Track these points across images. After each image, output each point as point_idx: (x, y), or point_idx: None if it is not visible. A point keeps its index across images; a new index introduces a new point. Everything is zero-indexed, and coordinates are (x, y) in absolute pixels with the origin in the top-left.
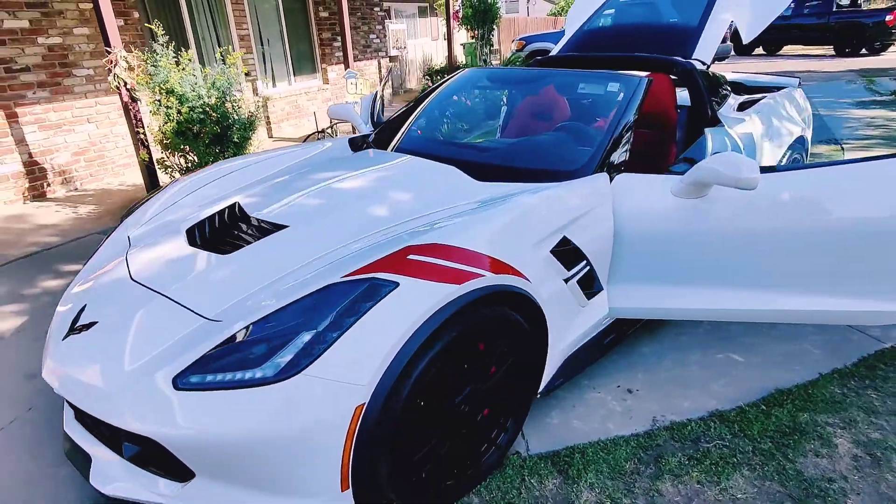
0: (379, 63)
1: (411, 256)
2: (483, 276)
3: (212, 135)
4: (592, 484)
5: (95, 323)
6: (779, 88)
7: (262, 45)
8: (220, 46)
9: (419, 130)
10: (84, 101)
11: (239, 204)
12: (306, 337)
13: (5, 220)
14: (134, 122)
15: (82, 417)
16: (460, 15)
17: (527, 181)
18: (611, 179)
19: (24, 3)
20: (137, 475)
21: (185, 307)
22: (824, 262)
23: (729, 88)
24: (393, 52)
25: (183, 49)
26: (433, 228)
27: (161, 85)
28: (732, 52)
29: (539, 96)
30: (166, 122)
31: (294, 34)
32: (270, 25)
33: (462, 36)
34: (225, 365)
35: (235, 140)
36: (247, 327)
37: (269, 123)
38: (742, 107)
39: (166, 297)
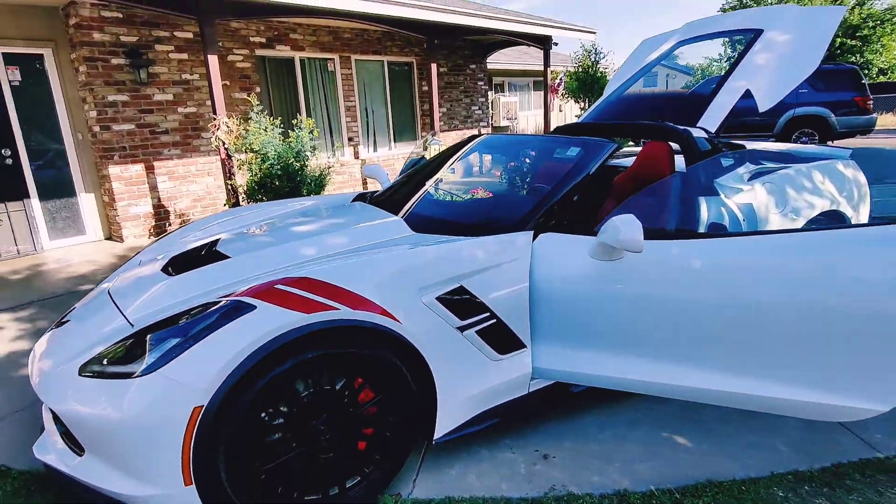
0: (479, 132)
1: (279, 286)
2: (338, 309)
3: (286, 188)
4: None
5: (67, 322)
6: (822, 159)
7: (366, 115)
8: (328, 117)
9: (405, 188)
10: (206, 158)
11: (219, 237)
12: (172, 342)
13: (131, 250)
14: (227, 175)
15: None
16: (560, 89)
17: (461, 234)
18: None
19: (172, 81)
20: (60, 448)
21: (122, 313)
22: (738, 340)
23: (737, 160)
24: (504, 123)
25: (299, 117)
26: (317, 264)
27: (248, 146)
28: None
29: (516, 160)
30: (251, 176)
31: (397, 105)
32: (376, 98)
33: (572, 108)
34: (116, 359)
35: (305, 194)
36: (149, 330)
37: (364, 183)
38: (755, 176)
39: (116, 305)
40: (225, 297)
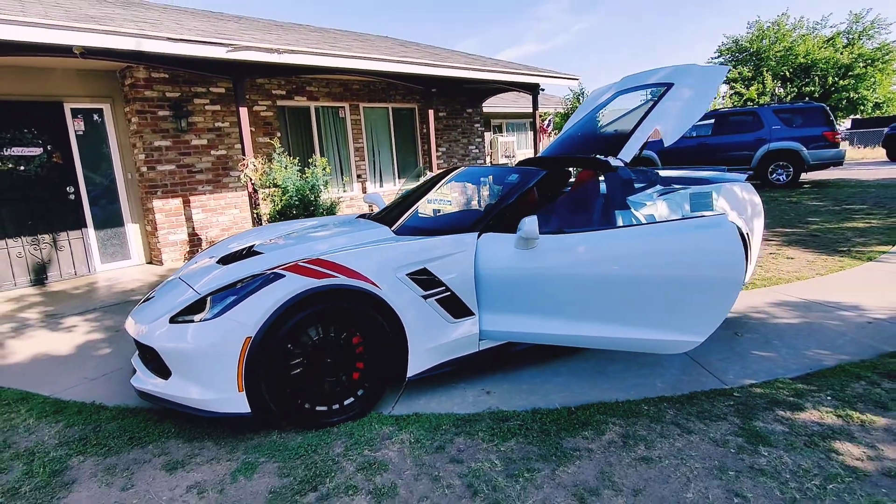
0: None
1: (301, 263)
2: (336, 277)
3: (302, 216)
4: (413, 431)
5: (152, 297)
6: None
7: (373, 155)
8: (339, 156)
9: (395, 208)
10: (233, 193)
11: (254, 244)
12: (231, 298)
13: (170, 271)
14: (253, 206)
15: (140, 351)
16: (549, 128)
17: (430, 236)
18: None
19: (207, 128)
20: (151, 377)
21: (192, 288)
22: (605, 299)
23: (648, 182)
24: (503, 160)
25: (313, 156)
26: (330, 252)
27: (272, 181)
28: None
29: (478, 184)
30: (273, 207)
31: (401, 146)
32: (382, 140)
33: None
34: (194, 311)
35: None
36: (214, 293)
37: (371, 210)
38: (663, 194)
39: (188, 284)
40: (272, 270)
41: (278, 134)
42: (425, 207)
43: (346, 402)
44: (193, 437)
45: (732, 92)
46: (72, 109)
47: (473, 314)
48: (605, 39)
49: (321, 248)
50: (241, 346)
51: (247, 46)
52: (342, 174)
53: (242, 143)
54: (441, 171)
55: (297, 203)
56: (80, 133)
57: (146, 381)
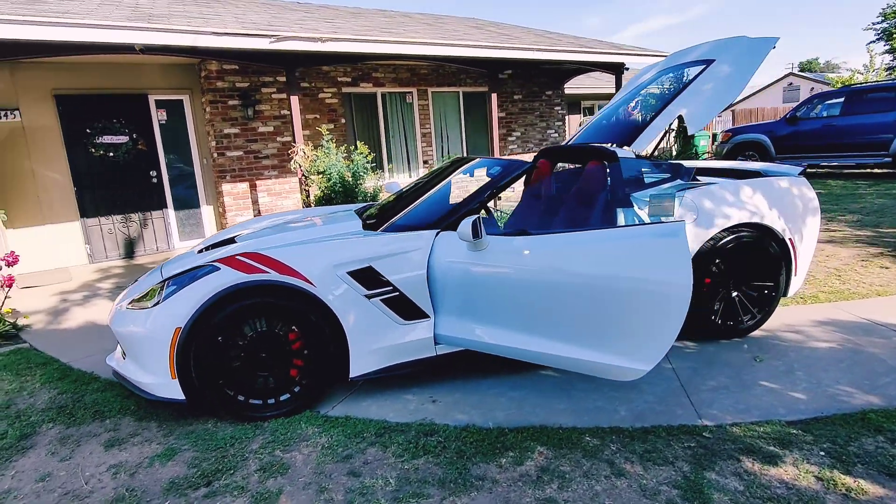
0: None
1: (237, 257)
2: (268, 273)
3: (344, 202)
4: (333, 435)
5: (137, 281)
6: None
7: (441, 140)
8: (406, 142)
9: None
10: (296, 178)
11: (241, 233)
12: (172, 287)
13: None
14: (302, 191)
15: None
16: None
17: (395, 232)
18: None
19: (273, 116)
20: (118, 357)
21: (161, 275)
22: (553, 313)
23: (669, 176)
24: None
25: (356, 146)
26: (269, 247)
27: (317, 168)
28: None
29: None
30: (318, 192)
31: (471, 130)
32: (451, 124)
33: None
34: (146, 298)
35: None
36: (166, 281)
37: None
38: (681, 190)
39: (160, 272)
40: (211, 262)
41: (342, 120)
42: (401, 199)
43: (281, 398)
44: (144, 417)
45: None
46: (155, 101)
47: (428, 317)
48: (753, 6)
49: (274, 241)
50: (172, 335)
51: (289, 37)
52: (408, 160)
53: (293, 131)
54: (446, 162)
55: (339, 190)
56: (163, 122)
57: (114, 359)
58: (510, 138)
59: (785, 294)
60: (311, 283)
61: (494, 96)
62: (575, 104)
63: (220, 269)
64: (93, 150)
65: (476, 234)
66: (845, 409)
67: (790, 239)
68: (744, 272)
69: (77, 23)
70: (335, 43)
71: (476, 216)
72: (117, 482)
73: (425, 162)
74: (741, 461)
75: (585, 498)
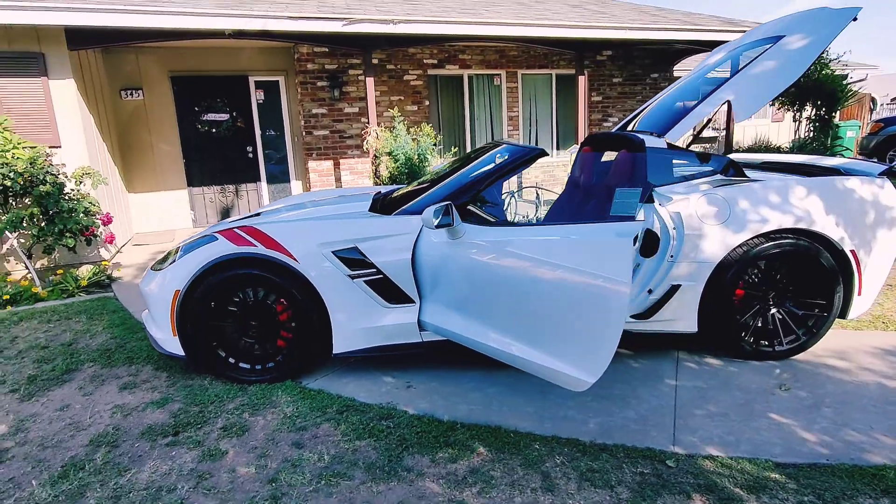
0: None
1: (235, 230)
2: (255, 246)
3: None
4: (300, 406)
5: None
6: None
7: (529, 124)
8: (492, 125)
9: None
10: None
11: (272, 207)
12: (181, 254)
13: None
14: (373, 170)
15: None
16: None
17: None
18: None
19: (358, 97)
20: (145, 313)
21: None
22: (512, 309)
23: (711, 169)
24: (708, 133)
25: (461, 126)
26: (264, 222)
27: (385, 150)
28: None
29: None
30: (386, 173)
31: (564, 114)
32: (542, 108)
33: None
34: (164, 261)
35: None
36: (179, 247)
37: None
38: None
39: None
40: (214, 232)
41: (426, 102)
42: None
43: (267, 365)
44: (160, 367)
45: None
46: (255, 82)
47: (413, 302)
48: None
49: (278, 217)
50: (172, 296)
51: (361, 19)
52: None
53: (368, 112)
54: (481, 146)
55: (405, 171)
56: (260, 102)
57: (144, 314)
58: (606, 124)
59: (844, 316)
60: (295, 259)
61: (582, 79)
62: None
63: (217, 239)
64: (199, 126)
65: (440, 221)
66: (860, 460)
67: (852, 251)
68: (788, 286)
69: (174, 10)
70: (408, 25)
71: (445, 204)
72: (111, 420)
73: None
74: (691, 499)
75: None
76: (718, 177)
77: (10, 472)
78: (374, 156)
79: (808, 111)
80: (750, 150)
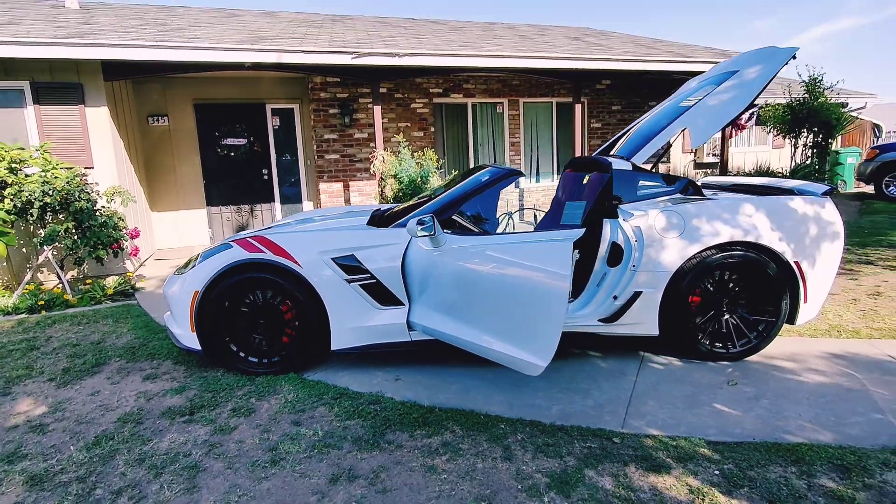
0: (656, 168)
1: (248, 239)
2: (264, 253)
3: None
4: (300, 393)
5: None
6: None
7: (531, 149)
8: (494, 150)
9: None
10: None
11: (284, 221)
12: (200, 260)
13: None
14: (379, 192)
15: None
16: (750, 123)
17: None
18: None
19: (368, 124)
20: (167, 314)
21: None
22: (480, 304)
23: (673, 189)
24: (710, 159)
25: (465, 151)
26: (274, 232)
27: (389, 173)
28: None
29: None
30: (391, 193)
31: (564, 140)
32: (543, 134)
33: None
34: (185, 267)
35: None
36: (199, 254)
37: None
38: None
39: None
40: (230, 241)
41: (432, 129)
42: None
43: (273, 359)
44: (179, 361)
45: None
46: (271, 109)
47: (403, 304)
48: None
49: (287, 229)
50: (192, 296)
51: (369, 52)
52: None
53: (375, 137)
54: (468, 169)
55: (409, 192)
56: (276, 128)
57: (166, 315)
58: (577, 151)
59: (792, 322)
60: (299, 265)
61: (578, 107)
62: None
63: (232, 246)
64: (219, 150)
65: (421, 231)
66: (781, 439)
67: (796, 262)
68: (740, 294)
69: (199, 46)
70: (412, 58)
71: (426, 215)
72: (136, 403)
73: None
74: (627, 466)
75: (463, 471)
76: (678, 195)
77: (52, 441)
78: (381, 178)
79: (805, 138)
80: (749, 174)
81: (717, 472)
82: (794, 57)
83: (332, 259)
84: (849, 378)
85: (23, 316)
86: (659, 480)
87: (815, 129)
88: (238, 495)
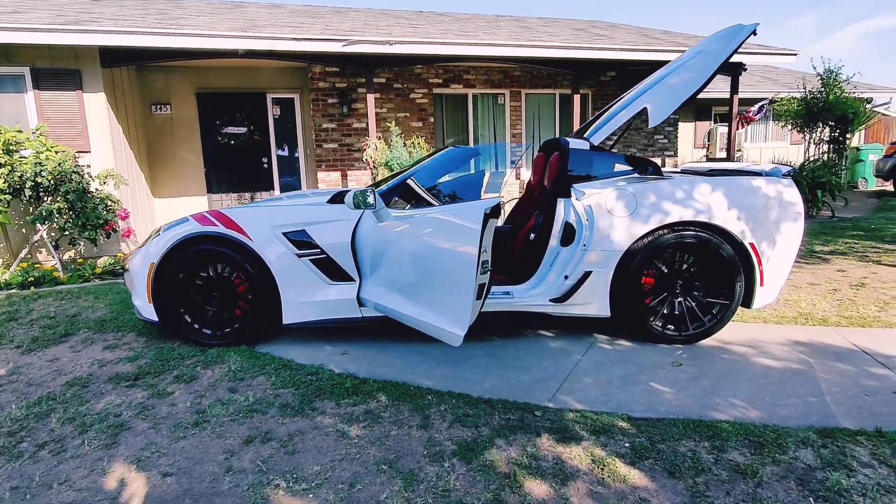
0: (664, 161)
1: (204, 213)
2: (217, 226)
3: None
4: (245, 363)
5: None
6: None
7: (532, 140)
8: (495, 142)
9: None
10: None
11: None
12: (160, 234)
13: None
14: (372, 180)
15: None
16: (758, 116)
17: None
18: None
19: (365, 114)
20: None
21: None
22: (409, 275)
23: (633, 170)
24: (721, 154)
25: (465, 142)
26: (229, 208)
27: (381, 162)
28: None
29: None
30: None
31: (566, 132)
32: (545, 126)
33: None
34: (147, 240)
35: None
36: (160, 228)
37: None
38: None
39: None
40: (188, 216)
41: (431, 119)
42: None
43: (226, 331)
44: (142, 333)
45: None
46: (272, 98)
47: (354, 280)
48: None
49: (252, 205)
50: (148, 269)
51: (359, 40)
52: (496, 160)
53: (369, 126)
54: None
55: None
56: (276, 117)
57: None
58: (607, 142)
59: (748, 306)
60: (250, 238)
61: (577, 98)
62: (705, 110)
63: (188, 220)
64: (219, 139)
65: (356, 202)
66: (706, 416)
67: (751, 244)
68: (694, 276)
69: (192, 33)
70: (403, 45)
71: (366, 189)
72: (89, 370)
73: (513, 162)
74: (540, 437)
75: (375, 437)
76: (636, 176)
77: None
78: (374, 166)
79: (821, 132)
80: None
81: (626, 445)
82: (754, 33)
83: (284, 234)
84: (801, 363)
85: (13, 291)
86: (566, 451)
87: (832, 123)
88: (151, 451)
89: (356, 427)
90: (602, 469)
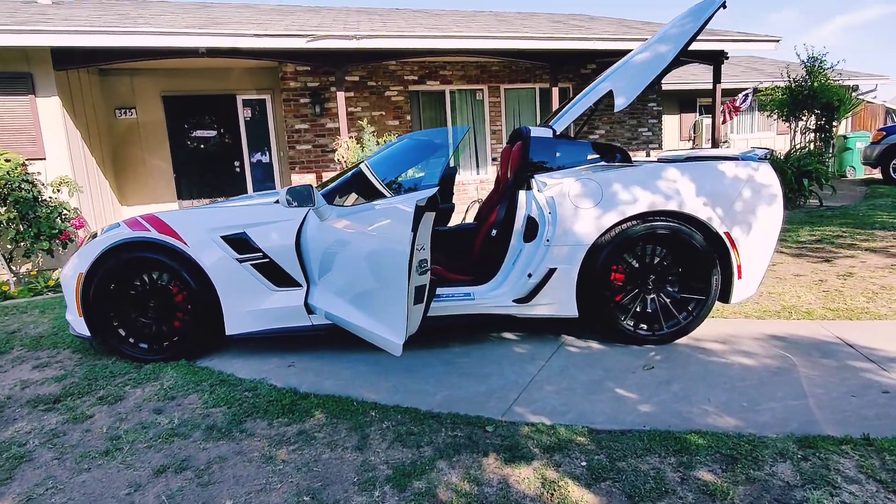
0: (648, 154)
1: (137, 218)
2: (149, 231)
3: None
4: (180, 380)
5: None
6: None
7: None
8: (475, 139)
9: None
10: None
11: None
12: (89, 241)
13: None
14: None
15: None
16: (744, 106)
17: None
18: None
19: (337, 114)
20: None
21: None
22: (354, 279)
23: (599, 159)
24: (707, 146)
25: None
26: (164, 212)
27: (352, 160)
28: None
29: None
30: None
31: None
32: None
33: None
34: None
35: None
36: (94, 234)
37: None
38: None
39: None
40: (120, 221)
41: (407, 117)
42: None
43: (165, 345)
44: (77, 350)
45: None
46: (242, 100)
47: (300, 286)
48: None
49: (192, 209)
50: (77, 279)
51: (325, 35)
52: (476, 157)
53: (340, 124)
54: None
55: None
56: (248, 119)
57: None
58: (591, 136)
59: (726, 300)
60: (185, 243)
61: (556, 91)
62: (689, 102)
63: (120, 226)
64: (188, 143)
65: (289, 201)
66: (675, 426)
67: (726, 233)
68: (667, 270)
69: (146, 31)
70: (371, 40)
71: (303, 185)
72: (10, 392)
73: (494, 159)
74: (487, 457)
75: (304, 461)
76: (602, 164)
77: None
78: (345, 166)
79: (806, 121)
80: None
81: (583, 464)
82: (724, 6)
83: (222, 237)
84: (782, 361)
85: None
86: (513, 473)
87: (817, 111)
88: (47, 488)
89: (284, 450)
90: (552, 494)
